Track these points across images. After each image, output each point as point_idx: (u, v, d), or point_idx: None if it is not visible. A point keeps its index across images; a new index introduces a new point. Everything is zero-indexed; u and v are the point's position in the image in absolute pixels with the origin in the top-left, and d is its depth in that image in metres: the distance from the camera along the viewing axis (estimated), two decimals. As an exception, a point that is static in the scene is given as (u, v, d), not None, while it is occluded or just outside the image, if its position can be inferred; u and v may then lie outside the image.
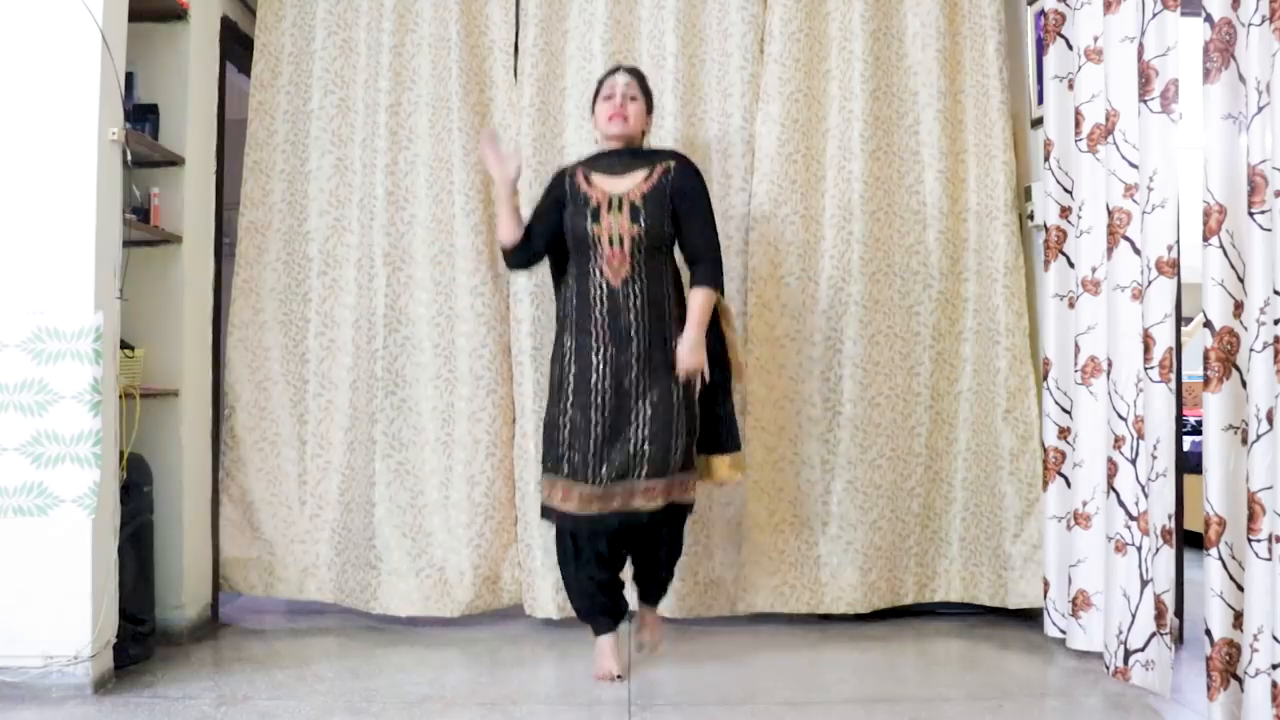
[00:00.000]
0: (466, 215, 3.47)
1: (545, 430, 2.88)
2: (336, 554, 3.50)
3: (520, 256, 3.00)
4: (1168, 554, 2.63)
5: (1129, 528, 2.77)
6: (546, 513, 2.87)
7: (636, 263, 2.82)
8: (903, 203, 3.54)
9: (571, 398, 2.81)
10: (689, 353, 2.79)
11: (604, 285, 2.83)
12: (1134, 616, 2.72)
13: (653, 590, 3.07)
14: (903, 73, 3.56)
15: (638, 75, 3.02)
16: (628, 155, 2.95)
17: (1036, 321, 3.48)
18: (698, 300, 2.85)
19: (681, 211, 2.88)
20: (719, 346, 2.94)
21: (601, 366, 2.80)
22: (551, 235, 2.95)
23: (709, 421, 2.93)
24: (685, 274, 2.96)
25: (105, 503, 2.75)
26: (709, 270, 2.88)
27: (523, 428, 3.43)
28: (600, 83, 3.02)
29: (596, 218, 2.83)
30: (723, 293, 2.94)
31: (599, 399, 2.78)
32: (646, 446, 2.75)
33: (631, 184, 2.87)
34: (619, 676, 2.85)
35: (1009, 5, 3.57)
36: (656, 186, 2.87)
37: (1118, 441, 2.82)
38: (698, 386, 2.85)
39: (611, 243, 2.82)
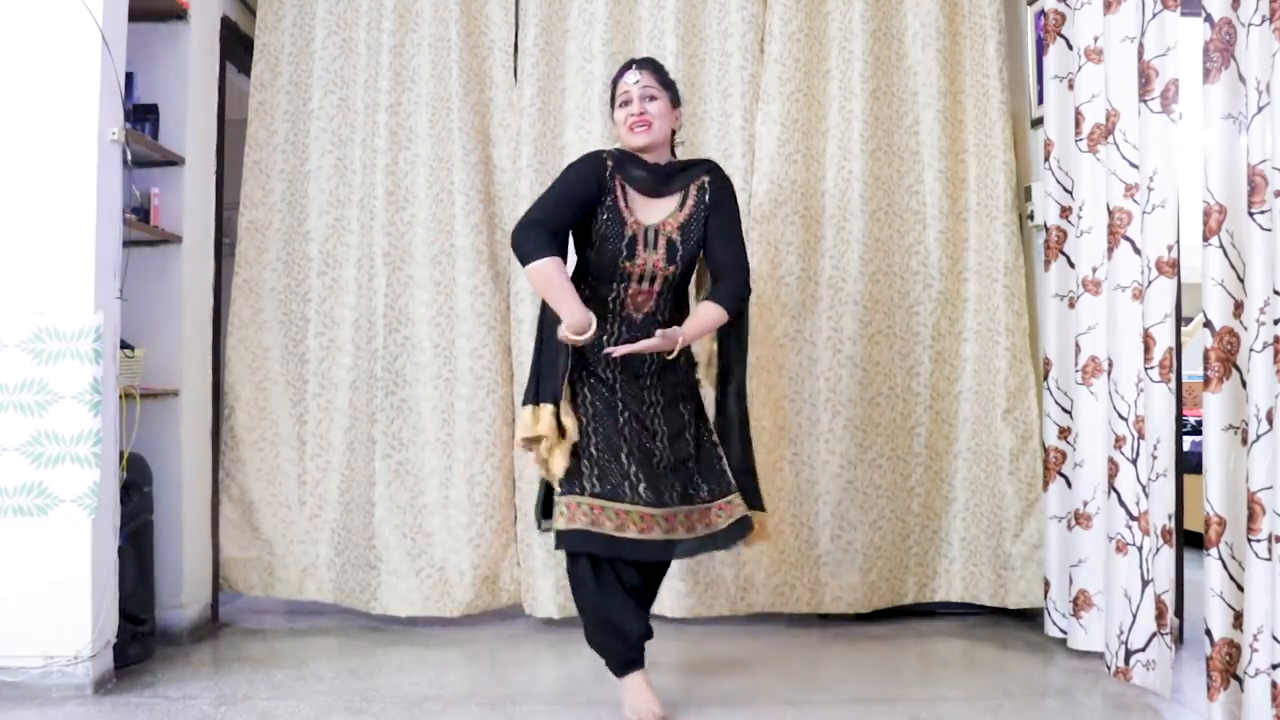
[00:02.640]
0: (466, 215, 3.47)
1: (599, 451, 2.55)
2: (336, 554, 3.50)
3: (555, 246, 2.57)
4: (1168, 554, 2.63)
5: (1130, 528, 2.77)
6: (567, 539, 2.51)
7: (662, 300, 2.62)
8: (903, 203, 3.54)
9: (597, 453, 2.53)
10: (662, 336, 2.48)
11: (624, 318, 2.60)
12: (1135, 616, 2.72)
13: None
14: (903, 73, 3.56)
15: (652, 67, 2.68)
16: (662, 171, 2.64)
17: (1036, 321, 3.48)
18: (707, 312, 2.58)
19: (712, 227, 2.63)
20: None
21: (622, 426, 2.55)
22: (573, 223, 2.61)
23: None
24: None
25: (105, 503, 2.75)
26: (729, 290, 2.60)
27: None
28: (614, 84, 2.70)
29: (632, 254, 2.56)
30: (735, 314, 2.63)
31: (624, 448, 2.52)
32: (692, 465, 2.57)
33: (666, 211, 2.61)
34: (665, 718, 2.52)
35: (1009, 5, 3.57)
36: (693, 213, 2.63)
37: (1118, 441, 2.81)
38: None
39: (642, 280, 2.58)
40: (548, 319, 2.60)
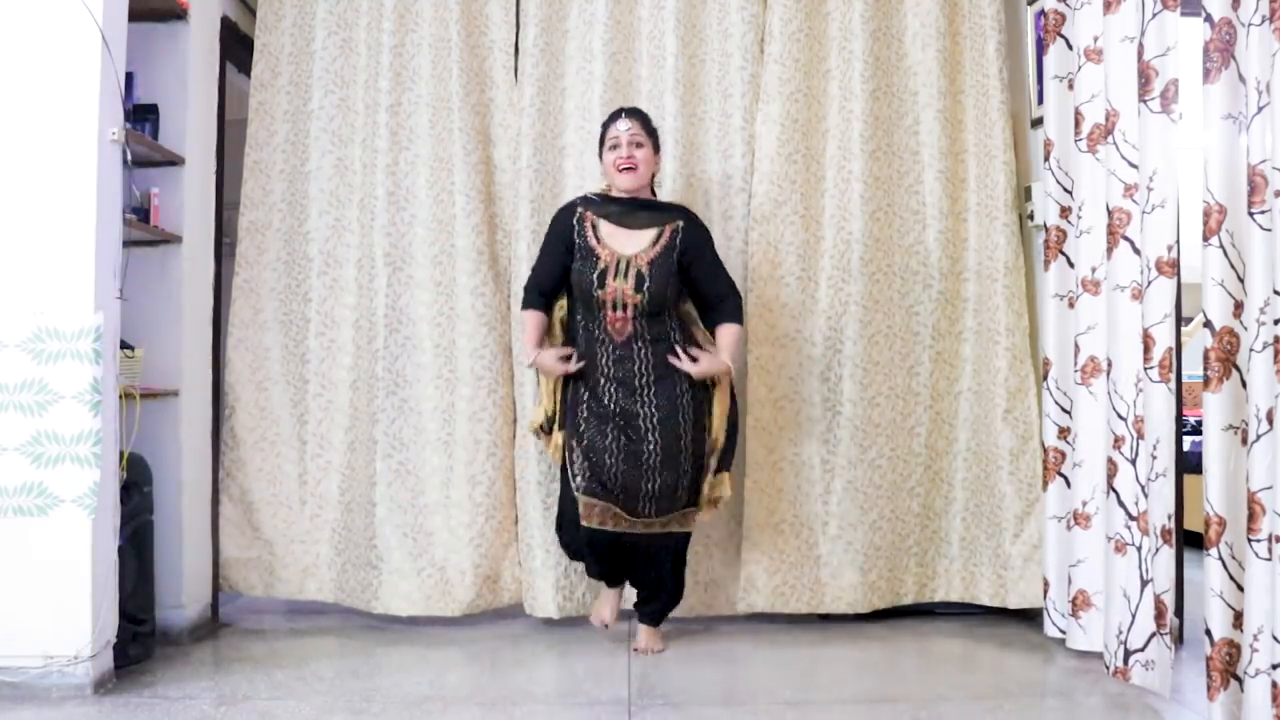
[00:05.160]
0: (467, 215, 3.46)
1: (584, 452, 3.00)
2: (337, 554, 3.50)
3: (539, 303, 3.15)
4: (1167, 554, 2.63)
5: (1129, 528, 2.77)
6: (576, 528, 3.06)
7: (639, 325, 2.99)
8: (902, 203, 3.54)
9: (587, 425, 3.01)
10: (709, 362, 3.01)
11: (609, 342, 3.01)
12: (1134, 616, 2.72)
13: (651, 610, 3.18)
14: (903, 73, 3.56)
15: (639, 117, 3.07)
16: (638, 208, 3.06)
17: (1036, 321, 3.48)
18: (730, 335, 3.07)
19: (695, 267, 3.04)
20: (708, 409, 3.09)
21: (612, 405, 2.98)
22: (562, 272, 3.09)
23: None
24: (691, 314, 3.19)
25: (105, 503, 2.75)
26: (735, 305, 3.12)
27: (523, 427, 3.43)
28: (604, 129, 3.09)
29: (602, 282, 2.97)
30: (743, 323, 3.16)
31: (614, 430, 2.98)
32: (657, 482, 2.95)
33: (639, 246, 3.00)
34: (606, 625, 3.20)
35: (1009, 5, 3.58)
36: (664, 251, 3.00)
37: (1117, 441, 2.82)
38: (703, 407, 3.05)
39: (615, 307, 2.97)
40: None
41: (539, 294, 3.12)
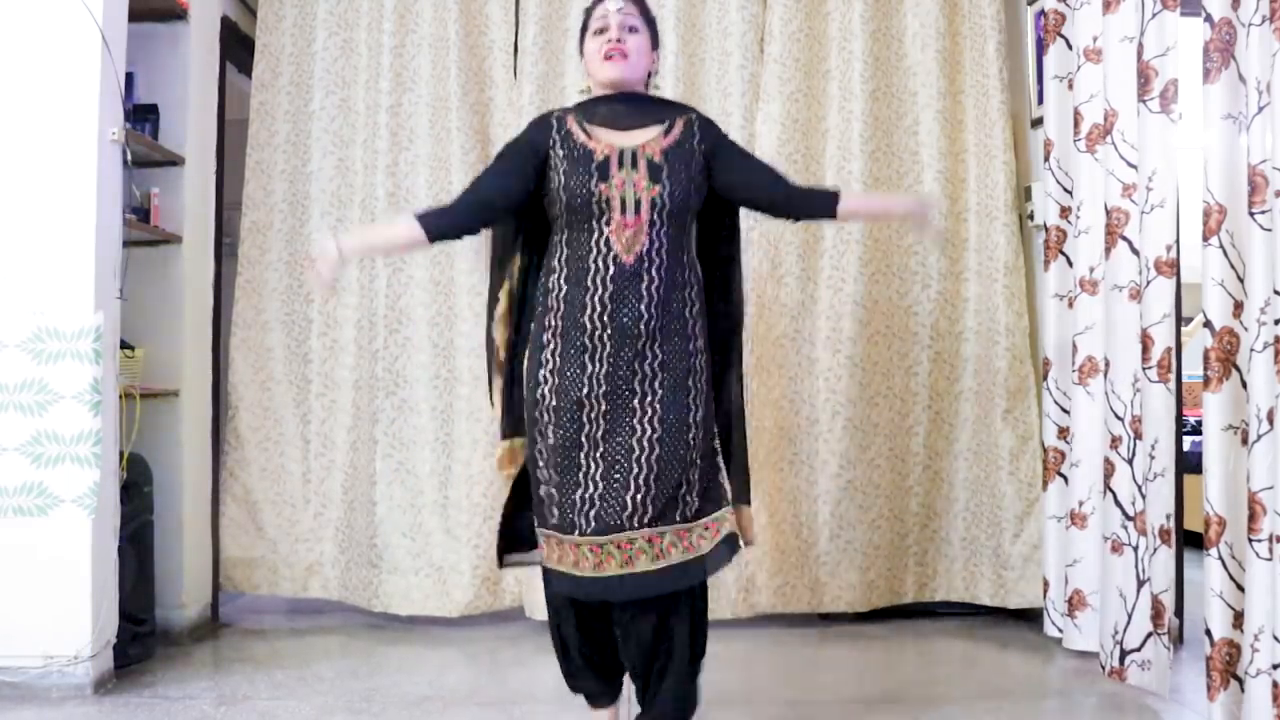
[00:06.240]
0: (466, 215, 3.46)
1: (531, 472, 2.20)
2: (340, 552, 3.50)
3: (433, 219, 2.19)
4: (1165, 554, 2.63)
5: (1125, 528, 2.77)
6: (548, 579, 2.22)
7: (655, 234, 2.11)
8: (903, 203, 3.54)
9: (552, 424, 2.09)
10: (916, 204, 2.40)
11: (611, 263, 2.09)
12: (1130, 616, 2.72)
13: (657, 702, 2.17)
14: (902, 73, 3.56)
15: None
16: (635, 104, 2.22)
17: (1036, 321, 3.48)
18: (859, 200, 2.52)
19: (733, 168, 2.23)
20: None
21: (593, 380, 2.08)
22: (523, 197, 2.18)
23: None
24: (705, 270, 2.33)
25: (105, 503, 2.75)
26: (822, 191, 2.42)
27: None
28: (587, 13, 2.26)
29: (605, 174, 2.10)
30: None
31: (589, 420, 2.07)
32: (650, 481, 2.05)
33: (647, 137, 2.17)
34: None
35: (1009, 5, 3.57)
36: (680, 142, 2.18)
37: (1114, 441, 2.81)
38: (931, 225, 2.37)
39: (624, 207, 2.10)
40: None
41: (444, 212, 2.21)
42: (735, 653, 3.19)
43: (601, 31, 2.19)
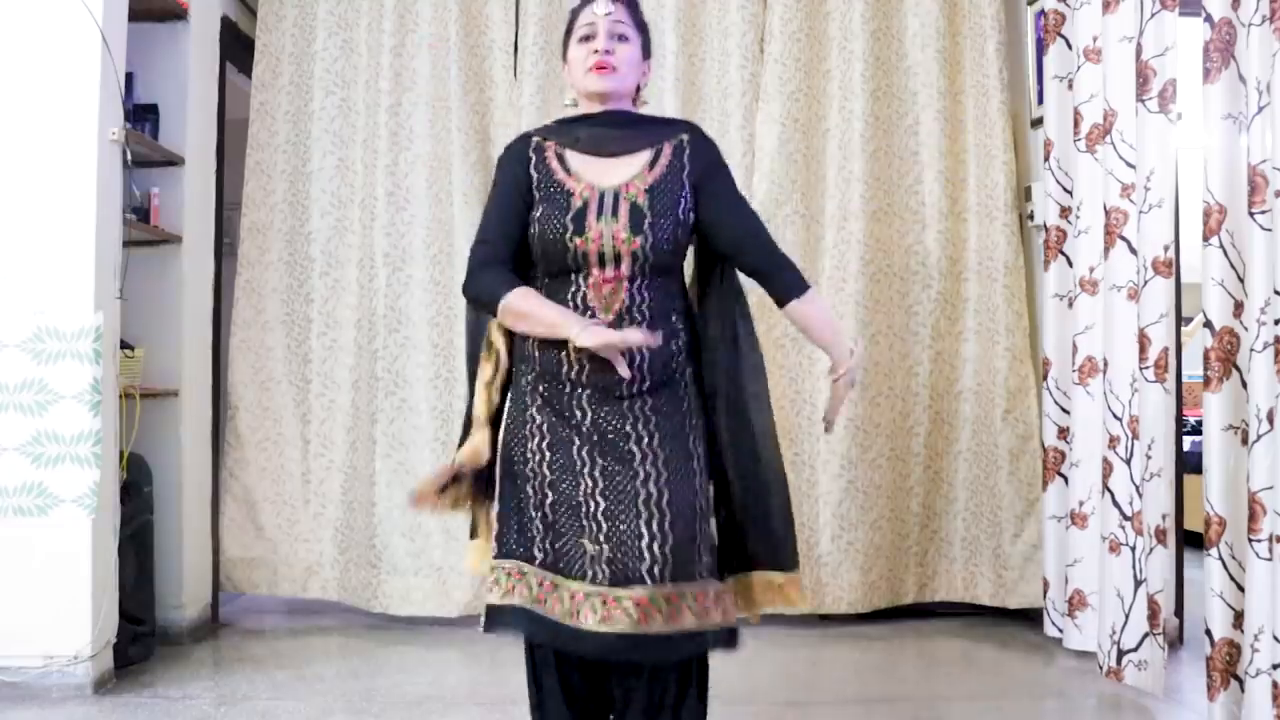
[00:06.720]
0: (465, 215, 3.46)
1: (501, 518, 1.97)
2: (340, 552, 3.50)
3: (512, 279, 1.93)
4: (1163, 554, 2.63)
5: (1123, 527, 2.77)
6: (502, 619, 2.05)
7: (636, 290, 1.88)
8: (902, 203, 3.54)
9: (548, 491, 1.87)
10: (848, 357, 1.99)
11: (589, 318, 1.86)
12: (1127, 616, 2.72)
13: None
14: (903, 73, 3.56)
15: (627, 2, 2.00)
16: (622, 124, 1.97)
17: (1036, 321, 3.48)
18: (819, 307, 2.10)
19: (718, 204, 1.97)
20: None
21: (580, 427, 1.86)
22: (523, 229, 1.94)
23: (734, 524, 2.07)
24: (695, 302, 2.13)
25: (105, 503, 2.75)
26: (792, 274, 2.09)
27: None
28: (573, 15, 2.00)
29: (581, 226, 1.86)
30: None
31: (579, 458, 1.85)
32: (666, 529, 1.80)
33: (631, 171, 1.92)
34: None
35: (1009, 5, 3.57)
36: (668, 174, 1.93)
37: (1113, 441, 2.81)
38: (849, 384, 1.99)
39: (603, 261, 1.86)
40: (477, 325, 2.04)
41: (503, 266, 1.91)
42: (735, 652, 3.19)
43: (588, 39, 1.95)
